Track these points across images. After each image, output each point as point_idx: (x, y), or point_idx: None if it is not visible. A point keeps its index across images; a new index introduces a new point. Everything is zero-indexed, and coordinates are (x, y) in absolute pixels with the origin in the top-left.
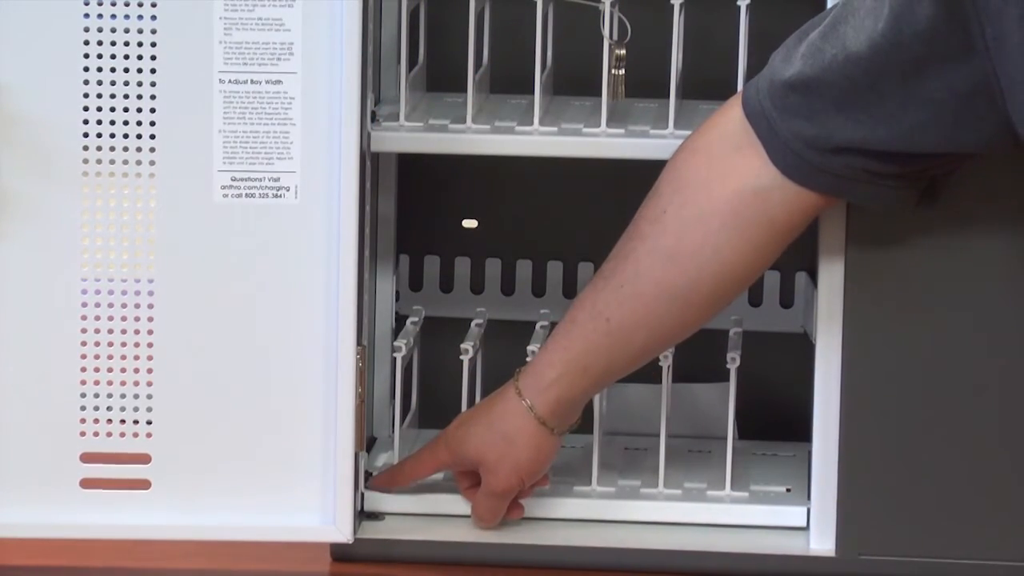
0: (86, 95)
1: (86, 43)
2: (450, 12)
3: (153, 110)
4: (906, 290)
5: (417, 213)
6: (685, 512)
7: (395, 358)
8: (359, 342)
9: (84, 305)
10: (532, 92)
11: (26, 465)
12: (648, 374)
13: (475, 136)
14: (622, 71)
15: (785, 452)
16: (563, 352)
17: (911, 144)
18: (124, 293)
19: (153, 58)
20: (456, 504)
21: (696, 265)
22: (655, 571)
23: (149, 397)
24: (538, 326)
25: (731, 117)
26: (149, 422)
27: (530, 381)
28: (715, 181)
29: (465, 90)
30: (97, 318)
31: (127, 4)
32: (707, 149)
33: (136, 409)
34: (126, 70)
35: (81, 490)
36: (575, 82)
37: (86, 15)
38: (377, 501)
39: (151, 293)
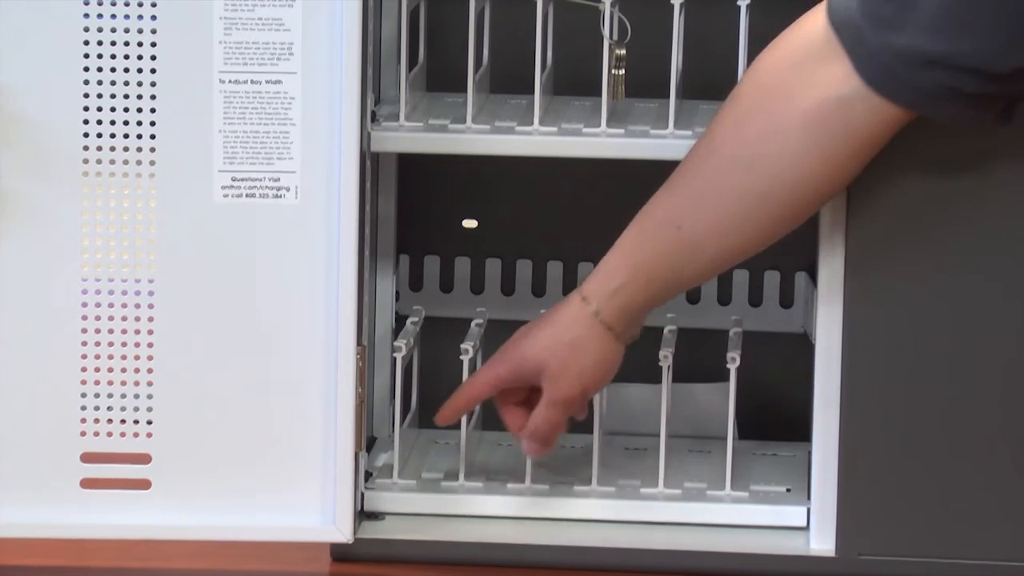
0: (86, 95)
1: (86, 43)
2: (450, 12)
3: (153, 110)
4: (906, 290)
5: (417, 213)
6: (685, 512)
7: (395, 358)
8: (359, 342)
9: (84, 305)
10: (532, 92)
11: (26, 465)
12: (648, 374)
13: (475, 136)
14: (622, 71)
15: (785, 452)
16: (629, 258)
17: (1001, 60)
18: (124, 293)
19: (153, 58)
20: (456, 504)
21: (774, 174)
22: (655, 571)
23: (149, 397)
24: None
25: (814, 26)
26: (149, 422)
27: (595, 287)
28: (797, 91)
29: (465, 90)
30: (97, 318)
31: (127, 4)
32: (789, 58)
33: (136, 409)
34: (126, 70)
35: (81, 490)
36: (575, 82)
37: (86, 15)
38: (377, 501)
39: (151, 293)
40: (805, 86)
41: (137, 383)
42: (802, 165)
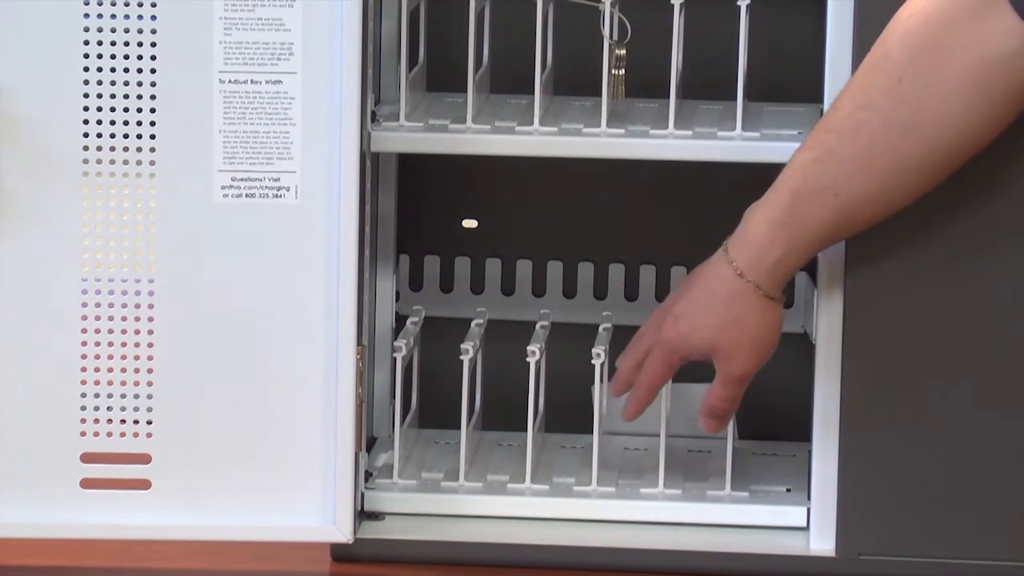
0: (86, 95)
1: (86, 43)
2: (450, 12)
3: (153, 110)
4: (906, 290)
5: (417, 213)
6: (685, 512)
7: (395, 358)
8: (359, 342)
9: (84, 305)
10: (532, 92)
11: (26, 465)
12: None
13: (475, 136)
14: (622, 71)
15: (785, 452)
16: (785, 229)
17: None
18: (124, 293)
19: (153, 58)
20: (456, 504)
21: (933, 136)
22: (655, 571)
23: (149, 397)
24: (538, 326)
25: None
26: (149, 422)
27: (751, 260)
28: (955, 49)
29: (465, 90)
30: (97, 318)
31: (127, 4)
32: (941, 14)
33: (136, 409)
34: (126, 70)
35: (81, 490)
36: (575, 82)
37: (86, 15)
38: (377, 501)
39: (151, 293)
40: (964, 45)
41: (137, 383)
42: (962, 125)
